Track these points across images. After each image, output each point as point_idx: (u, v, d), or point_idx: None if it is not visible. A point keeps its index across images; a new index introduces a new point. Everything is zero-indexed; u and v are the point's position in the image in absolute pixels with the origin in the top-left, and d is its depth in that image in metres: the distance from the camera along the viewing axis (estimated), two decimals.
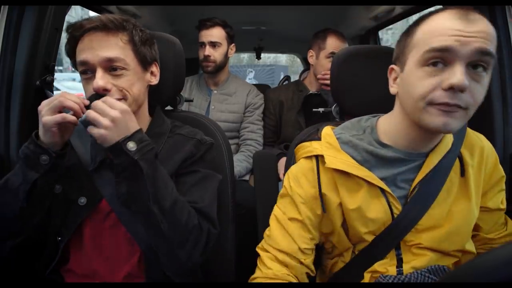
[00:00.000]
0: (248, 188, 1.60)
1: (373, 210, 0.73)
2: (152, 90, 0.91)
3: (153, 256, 0.81)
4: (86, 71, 0.78)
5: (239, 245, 0.92)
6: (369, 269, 0.76)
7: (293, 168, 0.81)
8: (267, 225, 0.82)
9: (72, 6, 1.28)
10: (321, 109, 1.46)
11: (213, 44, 1.71)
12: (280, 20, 2.31)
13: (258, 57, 3.51)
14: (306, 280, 0.78)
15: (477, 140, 0.77)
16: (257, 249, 0.81)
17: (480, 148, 0.76)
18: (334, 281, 0.82)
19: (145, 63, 0.85)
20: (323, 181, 0.75)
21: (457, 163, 0.74)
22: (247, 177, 1.70)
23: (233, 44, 1.80)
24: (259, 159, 1.37)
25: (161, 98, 1.00)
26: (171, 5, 1.88)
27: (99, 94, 0.76)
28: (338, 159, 0.74)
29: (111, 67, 0.78)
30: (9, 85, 1.00)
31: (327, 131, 0.81)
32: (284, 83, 2.25)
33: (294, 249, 0.76)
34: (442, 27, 0.62)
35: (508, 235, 0.80)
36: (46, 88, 1.06)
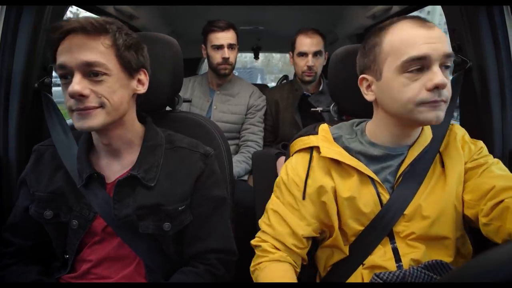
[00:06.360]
0: (246, 187, 1.60)
1: (363, 200, 0.78)
2: (150, 92, 0.88)
3: (154, 265, 0.82)
4: (65, 75, 0.73)
5: (237, 244, 0.92)
6: (368, 265, 0.78)
7: (292, 159, 0.88)
8: None
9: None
10: (319, 109, 1.47)
11: (231, 47, 1.71)
12: (278, 20, 2.31)
13: (256, 57, 3.49)
14: (299, 267, 0.83)
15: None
16: (256, 242, 0.85)
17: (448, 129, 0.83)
18: (332, 275, 0.84)
19: (130, 70, 0.78)
20: (316, 170, 0.82)
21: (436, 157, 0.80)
22: (245, 177, 1.70)
23: (237, 46, 1.80)
24: (258, 159, 1.37)
25: (159, 99, 1.00)
26: (168, 6, 1.87)
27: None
28: (331, 150, 0.82)
29: (91, 72, 0.72)
30: (7, 86, 0.99)
31: (324, 127, 0.89)
32: (283, 82, 2.26)
33: (290, 239, 0.81)
34: (412, 36, 0.70)
35: None
36: (44, 90, 1.05)
